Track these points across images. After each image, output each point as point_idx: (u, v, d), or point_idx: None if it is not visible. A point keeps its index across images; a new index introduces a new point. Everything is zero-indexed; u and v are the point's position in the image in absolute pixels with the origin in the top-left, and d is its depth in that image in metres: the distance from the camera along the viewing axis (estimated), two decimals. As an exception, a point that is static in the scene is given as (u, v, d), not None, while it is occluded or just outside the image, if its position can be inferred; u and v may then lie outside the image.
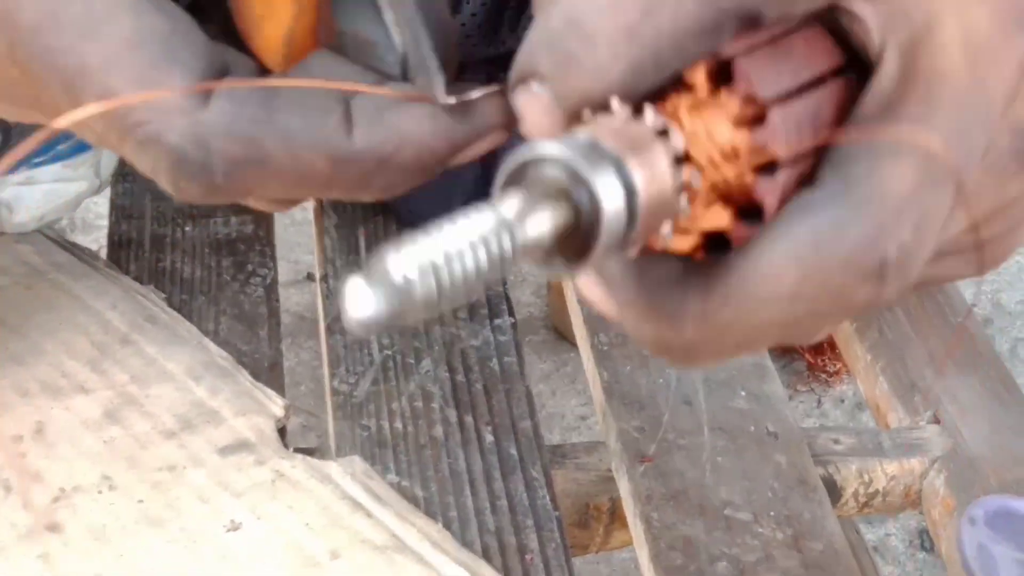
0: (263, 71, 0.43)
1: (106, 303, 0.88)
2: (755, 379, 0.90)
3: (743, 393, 0.89)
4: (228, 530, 0.75)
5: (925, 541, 1.77)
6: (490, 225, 0.34)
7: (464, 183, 0.92)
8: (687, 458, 0.84)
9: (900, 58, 0.39)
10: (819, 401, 1.92)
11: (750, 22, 0.38)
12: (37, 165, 0.89)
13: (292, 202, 0.44)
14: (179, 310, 0.89)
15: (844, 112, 0.40)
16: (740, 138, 0.39)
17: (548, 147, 0.35)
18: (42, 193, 0.90)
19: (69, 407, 0.81)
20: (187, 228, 0.97)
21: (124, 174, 1.00)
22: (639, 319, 0.38)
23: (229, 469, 0.78)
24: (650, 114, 0.38)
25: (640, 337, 0.38)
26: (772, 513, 0.81)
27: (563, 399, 1.82)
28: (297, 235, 1.97)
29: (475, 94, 0.41)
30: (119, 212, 0.98)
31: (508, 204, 0.35)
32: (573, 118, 0.38)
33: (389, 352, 0.88)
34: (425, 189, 0.99)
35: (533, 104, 0.38)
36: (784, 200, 0.39)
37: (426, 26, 0.42)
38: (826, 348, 1.88)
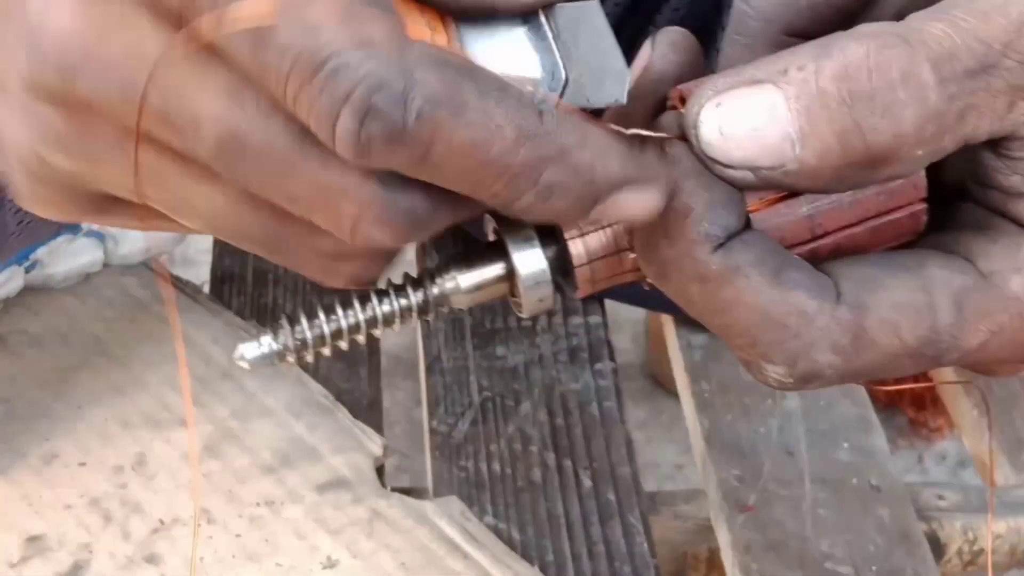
0: None
1: (208, 337, 0.88)
2: (859, 431, 0.89)
3: (846, 445, 0.88)
4: (324, 567, 0.75)
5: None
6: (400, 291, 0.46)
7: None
8: (788, 509, 0.83)
9: None
10: (920, 457, 1.89)
11: None
12: (145, 198, 0.89)
13: (374, 259, 0.45)
14: (280, 346, 0.89)
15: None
16: None
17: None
18: (149, 226, 0.91)
19: (170, 440, 0.82)
20: (290, 265, 0.97)
21: (229, 210, 1.00)
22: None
23: (326, 506, 0.78)
24: None
25: None
26: (874, 568, 0.80)
27: (659, 447, 1.81)
28: (396, 277, 1.97)
29: (653, 134, 0.42)
30: (222, 247, 0.98)
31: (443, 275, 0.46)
32: None
33: (488, 394, 0.88)
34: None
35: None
36: None
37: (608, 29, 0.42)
38: (928, 403, 1.85)
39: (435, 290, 0.46)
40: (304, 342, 0.45)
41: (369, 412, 0.86)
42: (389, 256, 0.45)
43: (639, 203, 0.41)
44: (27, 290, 0.87)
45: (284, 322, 0.45)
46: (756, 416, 0.89)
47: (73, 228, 0.86)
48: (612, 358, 0.91)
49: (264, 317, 0.92)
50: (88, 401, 0.83)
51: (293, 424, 0.83)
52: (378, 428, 0.84)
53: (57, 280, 0.88)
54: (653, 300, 0.94)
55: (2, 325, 0.87)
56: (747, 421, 0.88)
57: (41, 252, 0.85)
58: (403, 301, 0.46)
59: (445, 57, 0.38)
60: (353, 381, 0.89)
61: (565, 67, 0.42)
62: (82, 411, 0.83)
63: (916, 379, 1.82)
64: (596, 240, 0.45)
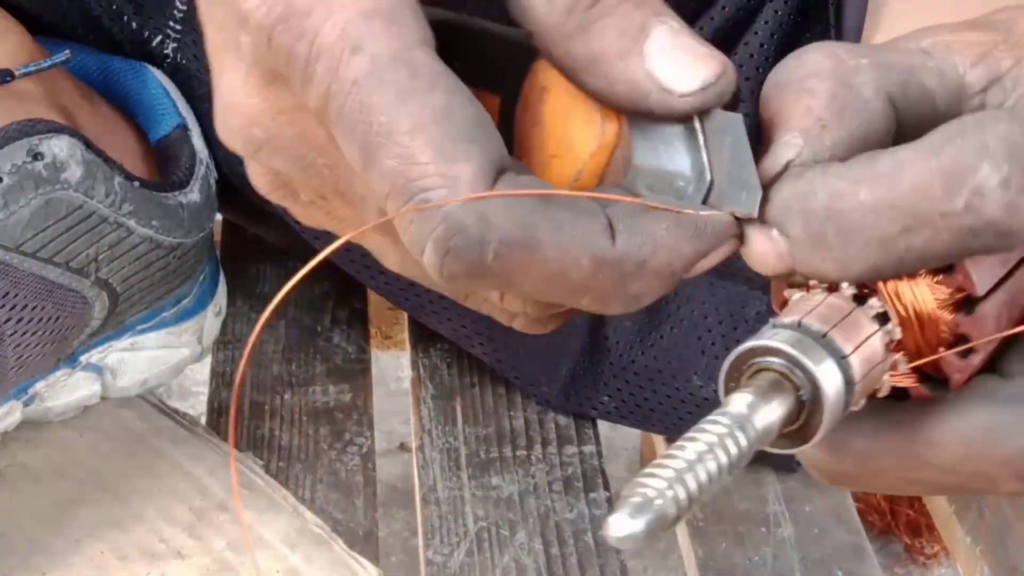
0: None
1: (204, 469, 0.88)
2: (852, 560, 0.89)
3: (840, 574, 0.88)
4: None
5: None
6: (723, 431, 0.39)
7: (571, 352, 0.93)
8: (783, 638, 0.83)
9: None
10: (916, 583, 1.88)
11: None
12: (143, 332, 0.90)
13: (539, 319, 0.47)
14: (276, 477, 0.90)
15: None
16: (944, 318, 0.42)
17: (774, 341, 0.40)
18: (146, 359, 0.91)
19: (166, 573, 0.82)
20: (286, 396, 0.98)
21: (226, 342, 1.01)
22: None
23: (322, 638, 0.78)
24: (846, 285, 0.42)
25: (802, 454, 0.43)
26: None
27: (655, 575, 1.80)
28: (391, 404, 1.97)
29: (717, 212, 0.43)
30: (219, 379, 0.99)
31: (737, 404, 0.39)
32: (787, 276, 0.43)
33: (484, 524, 0.88)
34: (533, 356, 0.99)
35: (768, 245, 0.42)
36: (971, 377, 0.43)
37: (750, 148, 0.44)
38: (924, 530, 1.85)
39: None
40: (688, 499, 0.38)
41: (365, 542, 0.87)
42: None
43: (718, 257, 0.44)
44: (25, 424, 0.87)
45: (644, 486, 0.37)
46: (750, 544, 0.89)
47: (71, 362, 0.86)
48: (607, 487, 0.92)
49: (261, 449, 0.93)
50: (85, 535, 0.83)
51: (289, 555, 0.83)
52: (374, 559, 0.85)
53: (55, 414, 0.89)
54: (652, 422, 0.94)
55: (0, 459, 0.88)
56: (741, 550, 0.89)
57: (40, 386, 0.86)
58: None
59: (521, 195, 0.42)
60: (349, 512, 0.89)
61: (712, 171, 0.44)
62: (79, 545, 0.83)
63: (911, 505, 1.82)
64: (859, 338, 0.41)
